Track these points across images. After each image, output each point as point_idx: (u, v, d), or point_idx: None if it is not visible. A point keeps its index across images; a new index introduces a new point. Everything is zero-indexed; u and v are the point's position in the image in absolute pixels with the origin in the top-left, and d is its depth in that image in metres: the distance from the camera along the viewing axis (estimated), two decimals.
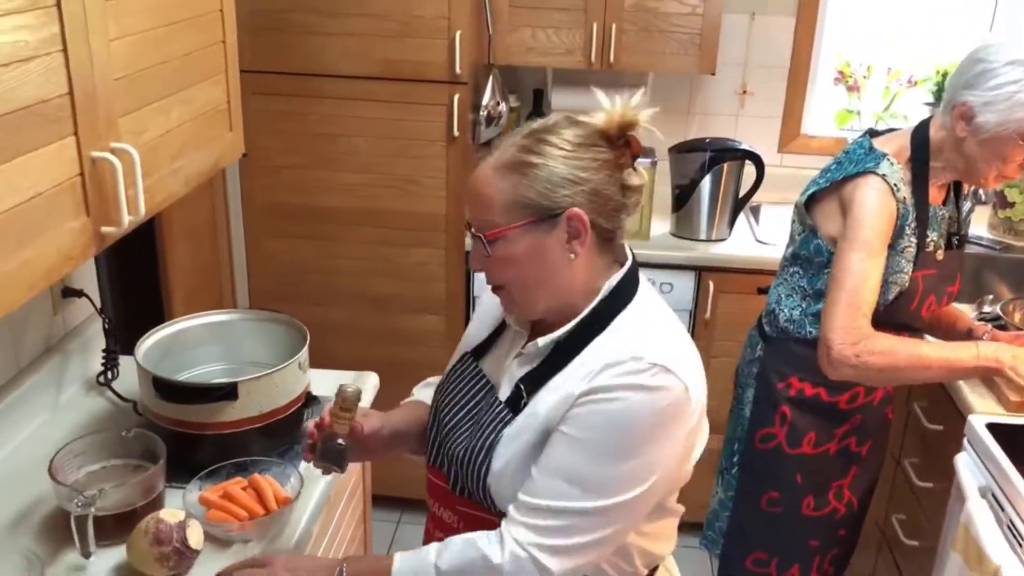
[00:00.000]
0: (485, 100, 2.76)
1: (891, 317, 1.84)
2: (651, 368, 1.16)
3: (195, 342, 1.81)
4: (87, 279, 1.91)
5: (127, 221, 1.32)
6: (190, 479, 1.52)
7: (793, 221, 1.97)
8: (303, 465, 1.56)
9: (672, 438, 1.20)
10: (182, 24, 1.51)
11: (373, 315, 2.86)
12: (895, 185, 1.77)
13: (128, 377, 1.85)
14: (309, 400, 1.75)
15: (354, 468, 1.92)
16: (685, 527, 3.10)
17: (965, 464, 1.85)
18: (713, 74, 2.85)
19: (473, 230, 1.22)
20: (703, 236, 2.82)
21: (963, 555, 1.73)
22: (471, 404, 1.32)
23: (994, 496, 1.75)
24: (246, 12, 2.37)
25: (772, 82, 3.13)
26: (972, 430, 1.86)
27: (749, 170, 2.79)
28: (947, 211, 1.89)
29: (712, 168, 2.74)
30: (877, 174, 1.77)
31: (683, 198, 2.80)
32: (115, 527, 1.40)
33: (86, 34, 1.22)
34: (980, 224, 2.92)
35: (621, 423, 1.16)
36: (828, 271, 1.84)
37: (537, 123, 1.25)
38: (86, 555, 1.38)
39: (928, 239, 1.84)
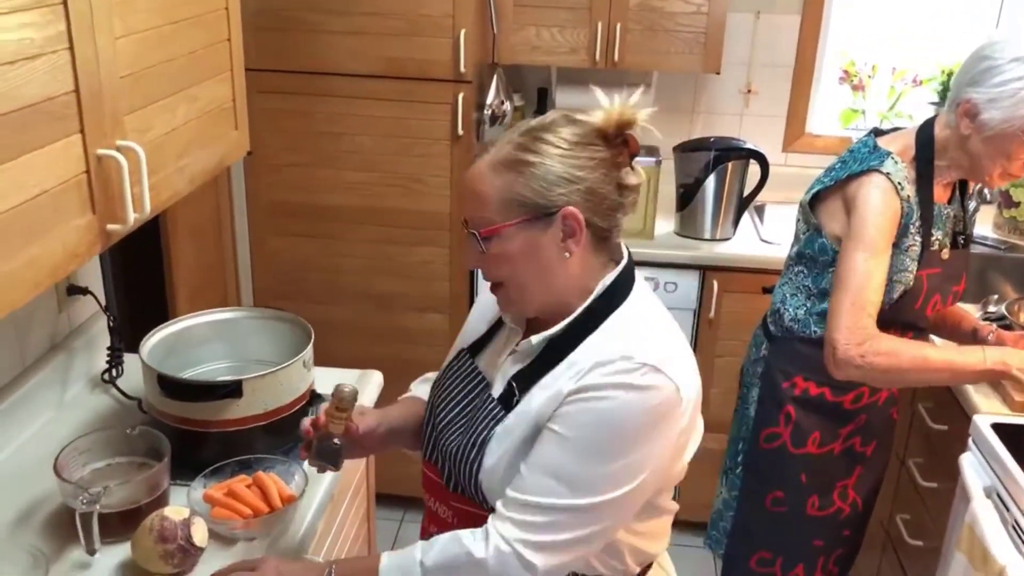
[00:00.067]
0: (489, 99, 2.76)
1: (896, 316, 1.83)
2: (641, 368, 1.16)
3: (200, 340, 1.81)
4: (92, 277, 1.91)
5: (132, 219, 1.32)
6: (194, 477, 1.52)
7: (798, 220, 1.97)
8: (307, 463, 1.56)
9: (662, 437, 1.19)
10: (187, 22, 1.51)
11: (377, 313, 2.87)
12: (899, 183, 1.77)
13: (133, 375, 1.85)
14: (313, 398, 1.76)
15: (358, 466, 1.92)
16: (689, 527, 3.12)
17: (970, 464, 1.85)
18: (718, 73, 2.84)
19: (468, 227, 1.23)
20: (707, 235, 2.82)
21: (968, 555, 1.73)
22: (465, 401, 1.32)
23: (999, 496, 1.74)
24: (251, 10, 2.37)
25: (777, 81, 3.13)
26: (977, 430, 1.85)
27: (753, 169, 2.78)
28: (952, 210, 1.89)
29: (716, 167, 2.74)
30: (881, 172, 1.77)
31: (687, 197, 2.80)
32: (120, 524, 1.41)
33: (92, 32, 1.22)
34: (985, 224, 2.92)
35: (610, 422, 1.16)
36: (833, 270, 1.84)
37: (534, 121, 1.24)
38: (91, 552, 1.38)
39: (933, 238, 1.84)
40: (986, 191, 2.82)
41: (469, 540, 1.20)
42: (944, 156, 1.82)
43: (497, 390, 1.28)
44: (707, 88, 3.16)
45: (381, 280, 2.83)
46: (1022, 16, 3.03)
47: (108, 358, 1.88)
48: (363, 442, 1.39)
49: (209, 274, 2.78)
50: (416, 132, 2.66)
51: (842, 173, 1.83)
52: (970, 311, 2.18)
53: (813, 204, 1.90)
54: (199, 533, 1.38)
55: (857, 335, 1.71)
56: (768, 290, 2.10)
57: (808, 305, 1.91)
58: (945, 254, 1.87)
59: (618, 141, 1.23)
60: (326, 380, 1.81)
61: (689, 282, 2.75)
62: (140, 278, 2.49)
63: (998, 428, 1.83)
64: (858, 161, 1.82)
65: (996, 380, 1.89)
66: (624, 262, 1.28)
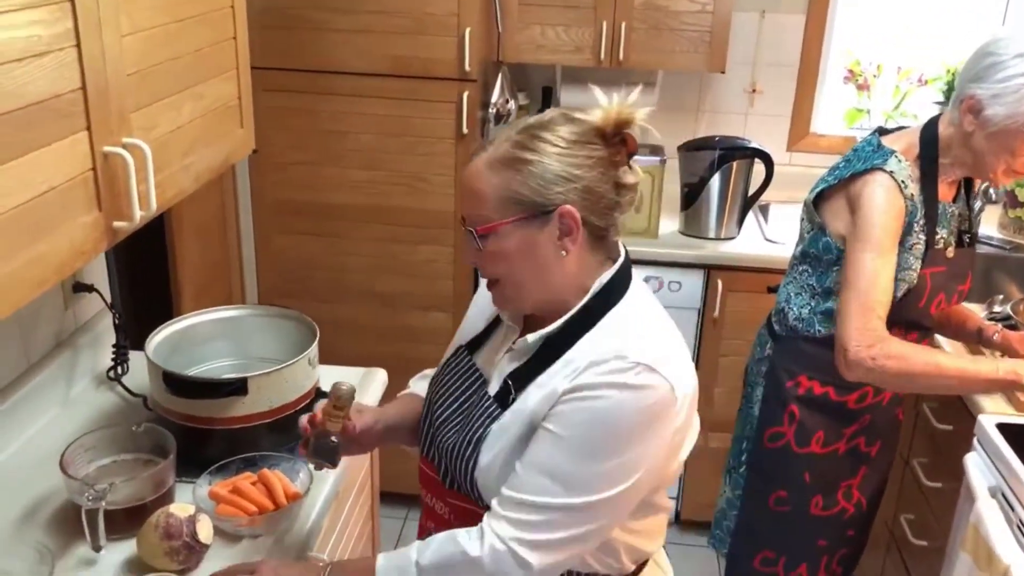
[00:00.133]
0: (494, 98, 2.76)
1: (900, 315, 1.83)
2: (635, 367, 1.16)
3: (205, 337, 1.81)
4: (97, 274, 1.92)
5: (139, 216, 1.32)
6: (200, 474, 1.53)
7: (802, 219, 1.97)
8: (305, 461, 1.57)
9: (656, 436, 1.19)
10: (193, 20, 1.52)
11: (381, 312, 2.87)
12: (903, 182, 1.77)
13: (138, 372, 1.86)
14: (318, 396, 1.76)
15: (362, 464, 1.93)
16: (692, 526, 3.12)
17: (975, 464, 1.84)
18: (723, 72, 2.84)
19: (465, 224, 1.23)
20: (712, 235, 2.81)
21: (973, 555, 1.73)
22: (462, 398, 1.32)
23: (1004, 496, 1.74)
24: (256, 9, 2.37)
25: (782, 80, 3.13)
26: (982, 430, 1.85)
27: (758, 169, 2.78)
28: (957, 208, 1.89)
29: (721, 166, 2.74)
30: (885, 171, 1.77)
31: (692, 196, 2.80)
32: (125, 521, 1.41)
33: (99, 29, 1.22)
34: (990, 224, 2.91)
35: (604, 421, 1.16)
36: (837, 269, 1.84)
37: (532, 119, 1.24)
38: (97, 548, 1.39)
39: (938, 236, 1.83)
40: (991, 191, 2.81)
41: (464, 539, 1.20)
42: (948, 154, 1.82)
43: (494, 388, 1.28)
44: (712, 87, 3.15)
45: (385, 278, 2.83)
46: None
47: (113, 355, 1.89)
48: (361, 440, 1.41)
49: (214, 272, 2.78)
50: (421, 131, 2.66)
51: (846, 172, 1.83)
52: (975, 311, 2.18)
53: (817, 203, 1.90)
54: (204, 530, 1.38)
55: (867, 337, 1.71)
56: (773, 289, 2.10)
57: (812, 304, 1.91)
58: (950, 252, 1.86)
59: (616, 140, 1.22)
60: (331, 378, 1.80)
61: (693, 281, 2.75)
62: (145, 276, 2.50)
63: (1003, 428, 1.82)
64: (862, 160, 1.82)
65: (1008, 390, 1.88)
66: (621, 260, 1.28)
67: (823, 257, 1.87)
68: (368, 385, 1.93)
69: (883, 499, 2.10)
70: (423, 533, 1.40)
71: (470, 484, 1.26)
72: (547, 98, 3.07)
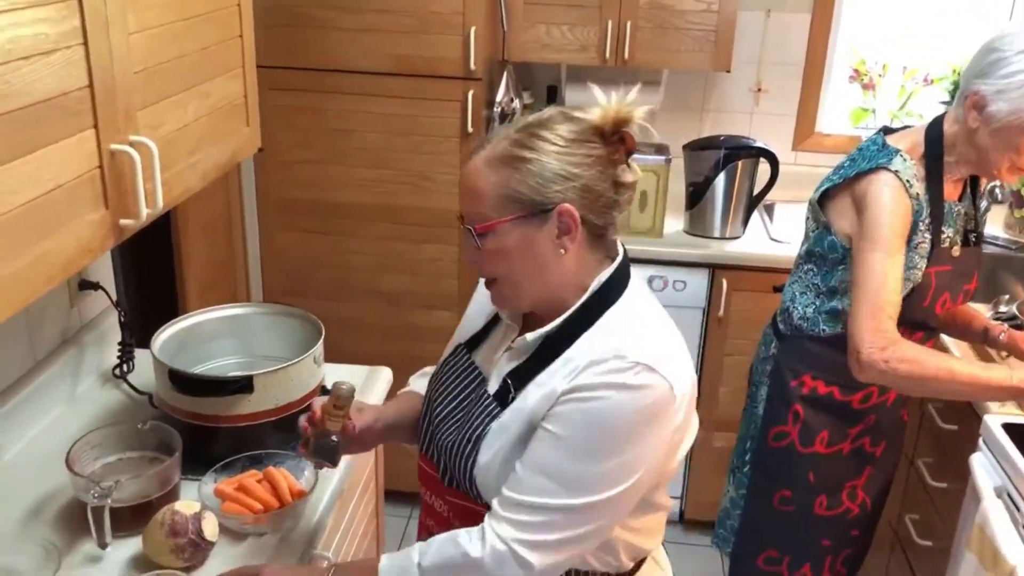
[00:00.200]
0: (499, 96, 2.76)
1: (905, 314, 1.82)
2: (634, 367, 1.16)
3: (210, 335, 1.82)
4: (103, 272, 1.92)
5: (145, 214, 1.33)
6: (205, 471, 1.53)
7: (807, 218, 1.96)
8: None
9: (656, 436, 1.19)
10: (200, 18, 1.52)
11: (385, 311, 2.87)
12: (908, 181, 1.76)
13: (143, 370, 1.86)
14: (324, 394, 1.76)
15: (367, 463, 1.93)
16: (696, 525, 3.11)
17: (980, 464, 1.84)
18: (728, 71, 2.84)
19: (464, 222, 1.23)
20: (717, 234, 2.81)
21: (978, 555, 1.73)
22: (461, 396, 1.32)
23: (1010, 496, 1.74)
24: (262, 7, 2.36)
25: (787, 80, 3.12)
26: (988, 430, 1.85)
27: (763, 168, 2.78)
28: (963, 207, 1.88)
29: (726, 166, 2.73)
30: (890, 170, 1.76)
31: (697, 196, 2.79)
32: (131, 518, 1.42)
33: (106, 27, 1.23)
34: (996, 224, 2.91)
35: (603, 422, 1.16)
36: (842, 268, 1.83)
37: (531, 117, 1.24)
38: (102, 545, 1.39)
39: (944, 235, 1.83)
40: (997, 190, 2.81)
41: (465, 540, 1.20)
42: (953, 152, 1.82)
43: (493, 386, 1.28)
44: (717, 86, 3.15)
45: (390, 277, 2.83)
46: None
47: (119, 353, 1.89)
48: (361, 438, 1.41)
49: (219, 270, 2.79)
50: (426, 129, 2.66)
51: (851, 171, 1.83)
52: (981, 311, 2.18)
53: (822, 202, 1.89)
54: (210, 527, 1.39)
55: (879, 339, 1.70)
56: (778, 289, 2.10)
57: (817, 303, 1.90)
58: (956, 251, 1.86)
59: (615, 138, 1.22)
60: (336, 376, 1.81)
61: (698, 281, 2.75)
62: (151, 274, 2.50)
63: (1009, 428, 1.82)
64: (867, 159, 1.82)
65: (1021, 399, 1.87)
66: (619, 259, 1.28)
67: (828, 256, 1.87)
68: (373, 383, 1.93)
69: (888, 499, 2.10)
70: (423, 530, 1.41)
71: (469, 482, 1.26)
72: (552, 97, 3.07)
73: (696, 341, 2.82)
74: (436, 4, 2.52)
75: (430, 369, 1.49)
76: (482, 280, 1.31)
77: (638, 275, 1.31)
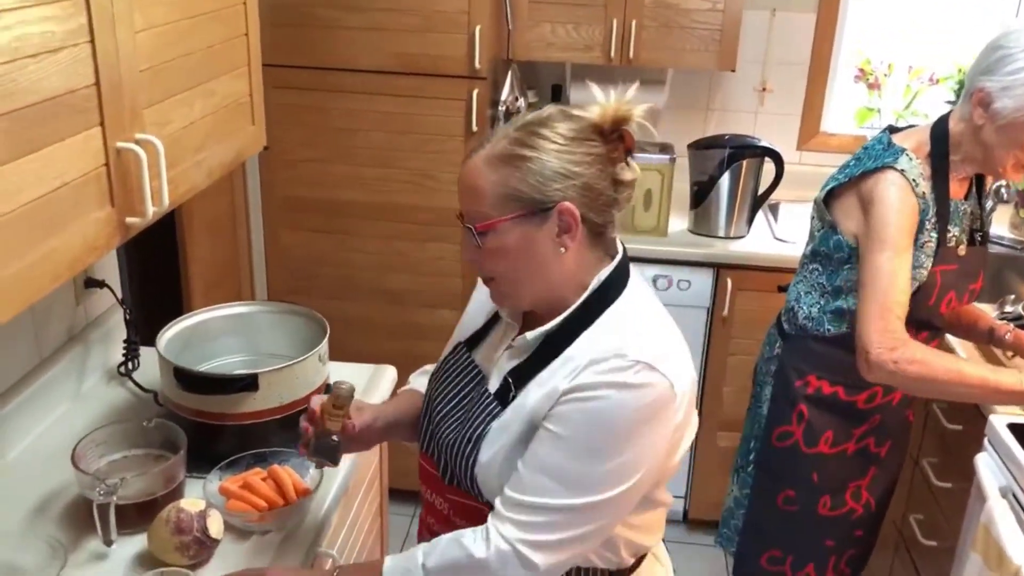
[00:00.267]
0: (504, 95, 2.76)
1: (910, 313, 1.81)
2: (635, 365, 1.15)
3: (216, 333, 1.82)
4: (109, 270, 1.93)
5: (151, 212, 1.33)
6: (210, 469, 1.53)
7: (812, 218, 1.96)
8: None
9: (657, 435, 1.19)
10: (206, 17, 1.52)
11: (389, 309, 2.87)
12: (914, 180, 1.76)
13: (148, 368, 1.86)
14: (325, 392, 1.76)
15: (371, 461, 1.93)
16: (700, 524, 3.11)
17: (986, 464, 1.84)
18: (733, 71, 2.83)
19: (464, 221, 1.23)
20: (721, 233, 2.81)
21: (983, 555, 1.72)
22: (462, 395, 1.32)
23: (1015, 496, 1.74)
24: (267, 6, 2.37)
25: (792, 79, 3.12)
26: (993, 430, 1.85)
27: (768, 167, 2.78)
28: (969, 206, 1.88)
29: (731, 165, 2.73)
30: (896, 169, 1.76)
31: (702, 195, 2.79)
32: (136, 516, 1.42)
33: (113, 25, 1.23)
34: (1002, 224, 2.90)
35: (604, 421, 1.16)
36: (848, 267, 1.83)
37: (530, 115, 1.23)
38: (108, 543, 1.39)
39: (950, 234, 1.83)
40: (1003, 190, 2.80)
41: (470, 541, 1.20)
42: (959, 150, 1.81)
43: (493, 385, 1.28)
44: (722, 86, 3.15)
45: (393, 276, 2.84)
46: None
47: (124, 351, 1.89)
48: (361, 437, 1.42)
49: (224, 268, 2.79)
50: (430, 128, 2.67)
51: (856, 170, 1.83)
52: (986, 311, 2.17)
53: (828, 201, 1.89)
54: (215, 525, 1.39)
55: (888, 339, 1.70)
56: (782, 288, 2.10)
57: (822, 303, 1.90)
58: (962, 250, 1.86)
59: (614, 136, 1.22)
60: (340, 374, 1.82)
61: (703, 280, 2.75)
62: (156, 272, 2.51)
63: (1014, 428, 1.82)
64: (872, 158, 1.82)
65: None
66: (619, 257, 1.28)
67: (834, 255, 1.86)
68: (378, 382, 1.93)
69: (892, 499, 2.10)
70: (424, 528, 1.41)
71: (470, 481, 1.26)
72: (556, 96, 3.07)
73: (700, 340, 2.82)
74: (441, 3, 2.52)
75: (430, 367, 1.49)
76: (481, 278, 1.31)
77: (638, 273, 1.31)
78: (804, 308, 1.93)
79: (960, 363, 1.79)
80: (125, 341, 1.90)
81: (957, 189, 1.85)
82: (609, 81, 1.30)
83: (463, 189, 1.23)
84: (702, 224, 2.82)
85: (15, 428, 1.66)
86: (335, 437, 1.36)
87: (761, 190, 2.81)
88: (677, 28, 2.74)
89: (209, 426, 1.61)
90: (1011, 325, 2.04)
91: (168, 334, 1.72)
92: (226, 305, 1.85)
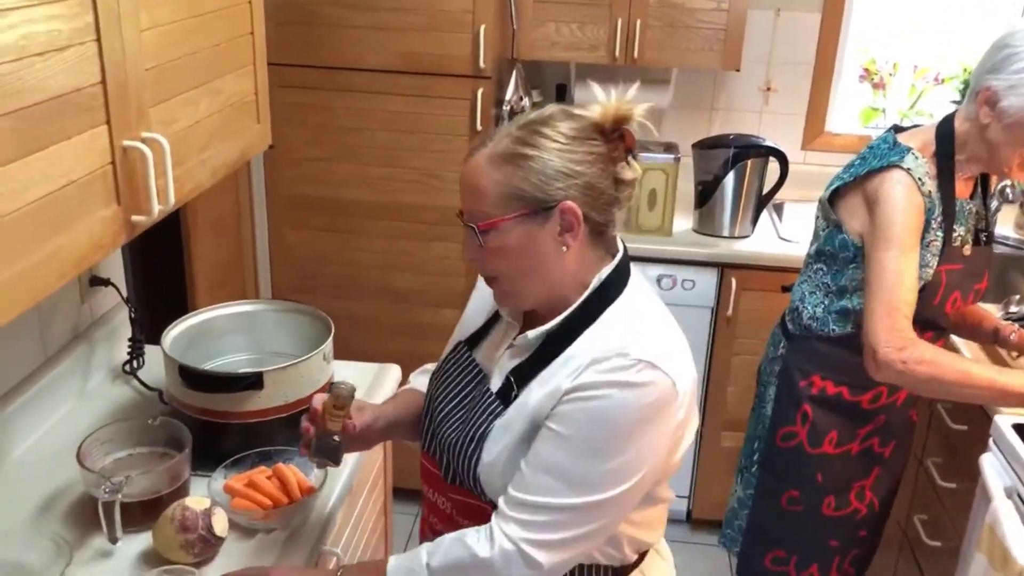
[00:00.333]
0: (508, 95, 2.76)
1: (915, 313, 1.82)
2: (636, 364, 1.16)
3: (220, 332, 1.82)
4: (114, 268, 1.93)
5: (157, 210, 1.33)
6: (215, 467, 1.53)
7: (817, 217, 1.96)
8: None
9: (659, 433, 1.20)
10: (211, 15, 1.52)
11: (393, 308, 2.87)
12: (920, 179, 1.76)
13: (153, 366, 1.87)
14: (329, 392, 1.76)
15: (375, 460, 1.93)
16: (704, 524, 3.11)
17: (991, 464, 1.83)
18: (738, 70, 2.83)
19: (466, 220, 1.23)
20: (726, 233, 2.81)
21: (988, 556, 1.72)
22: (463, 394, 1.32)
23: (1020, 497, 1.73)
24: (273, 5, 2.37)
25: (797, 79, 3.12)
26: (998, 431, 1.84)
27: (773, 167, 2.77)
28: (974, 205, 1.88)
29: (735, 165, 2.73)
30: (902, 168, 1.76)
31: (706, 194, 2.79)
32: (141, 514, 1.42)
33: (119, 24, 1.23)
34: (1007, 224, 2.90)
35: (607, 420, 1.16)
36: (853, 267, 1.83)
37: (532, 114, 1.24)
38: (113, 541, 1.40)
39: (955, 234, 1.82)
40: (1008, 190, 2.79)
41: (474, 541, 1.21)
42: (964, 150, 1.81)
43: (495, 384, 1.28)
44: (726, 85, 3.15)
45: (398, 275, 2.84)
46: None
47: (129, 349, 1.90)
48: (362, 437, 1.42)
49: (229, 267, 2.80)
50: (435, 127, 2.67)
51: (862, 169, 1.82)
52: (991, 311, 2.17)
53: (833, 200, 1.89)
54: (220, 523, 1.39)
55: (896, 339, 1.69)
56: (787, 288, 2.10)
57: (826, 303, 1.90)
58: (967, 250, 1.85)
59: (615, 136, 1.22)
60: (344, 374, 1.82)
61: (707, 280, 2.74)
62: (161, 270, 2.51)
63: (1019, 429, 1.81)
64: (878, 157, 1.81)
65: None
66: (620, 255, 1.28)
67: (839, 255, 1.86)
68: (382, 381, 1.94)
69: (896, 499, 2.09)
70: (425, 527, 1.42)
71: (473, 480, 1.26)
72: (561, 96, 3.07)
73: (704, 340, 2.82)
74: (446, 2, 2.52)
75: (431, 366, 1.50)
76: (481, 277, 1.31)
77: (639, 272, 1.31)
78: (808, 308, 1.93)
79: (968, 364, 1.79)
80: (130, 339, 1.90)
81: (962, 189, 1.85)
82: (613, 81, 1.30)
83: (465, 188, 1.23)
84: (706, 224, 2.82)
85: (20, 426, 1.66)
86: (336, 437, 1.36)
87: (766, 190, 2.81)
88: (682, 28, 2.74)
89: (214, 424, 1.61)
90: (1016, 325, 2.04)
91: (173, 332, 1.73)
92: (231, 304, 1.85)
